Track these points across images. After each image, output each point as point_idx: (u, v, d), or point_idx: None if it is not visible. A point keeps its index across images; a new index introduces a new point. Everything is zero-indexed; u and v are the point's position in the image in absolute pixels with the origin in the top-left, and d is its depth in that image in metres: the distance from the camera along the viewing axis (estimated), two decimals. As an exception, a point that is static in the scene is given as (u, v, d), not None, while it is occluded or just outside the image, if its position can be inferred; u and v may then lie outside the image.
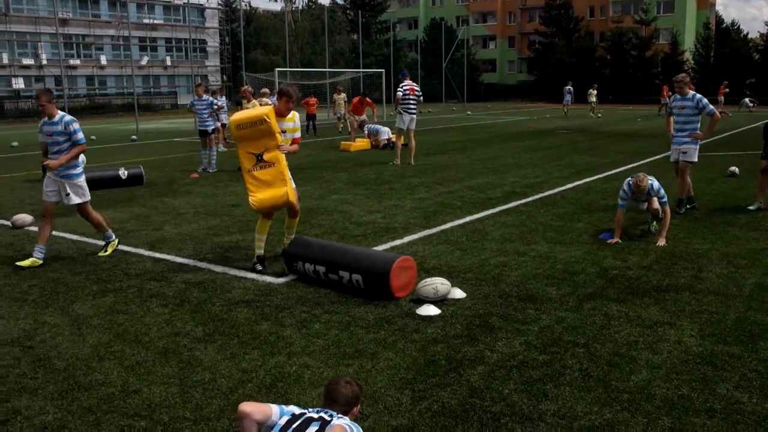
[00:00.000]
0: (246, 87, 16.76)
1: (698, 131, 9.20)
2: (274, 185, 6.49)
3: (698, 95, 9.17)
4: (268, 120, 6.35)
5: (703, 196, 10.66)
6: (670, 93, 40.64)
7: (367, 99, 22.74)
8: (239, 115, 6.50)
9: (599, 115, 37.83)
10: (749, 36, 65.45)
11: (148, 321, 5.34)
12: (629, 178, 7.71)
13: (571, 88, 39.20)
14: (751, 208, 9.51)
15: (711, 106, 9.16)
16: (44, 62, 53.51)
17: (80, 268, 7.00)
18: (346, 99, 26.76)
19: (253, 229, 8.66)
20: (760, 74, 58.90)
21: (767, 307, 5.46)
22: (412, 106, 15.46)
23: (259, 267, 6.72)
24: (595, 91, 38.30)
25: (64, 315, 5.52)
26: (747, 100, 44.18)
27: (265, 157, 6.44)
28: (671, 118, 9.59)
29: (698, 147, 9.31)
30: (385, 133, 20.34)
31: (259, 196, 6.46)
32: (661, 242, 7.51)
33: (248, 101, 15.95)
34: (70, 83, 54.56)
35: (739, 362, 4.39)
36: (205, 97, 15.35)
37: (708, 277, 6.32)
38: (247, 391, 4.06)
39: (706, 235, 8.04)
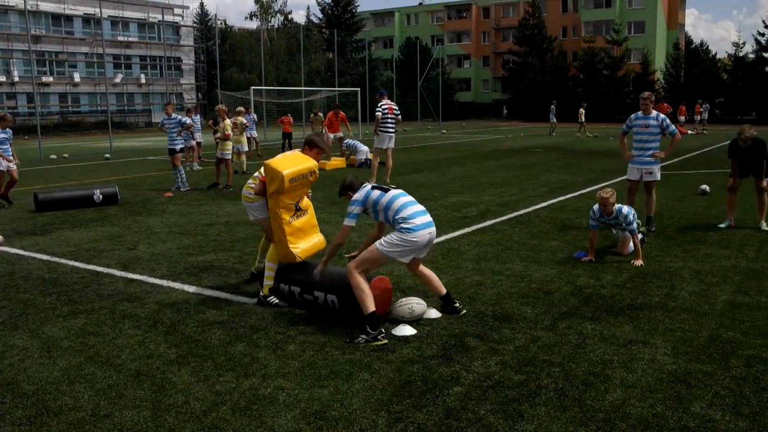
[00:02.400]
0: (221, 106, 16.70)
1: (659, 150, 9.31)
2: (310, 232, 6.37)
3: (662, 115, 9.32)
4: (317, 172, 6.23)
5: (674, 214, 10.81)
6: (701, 108, 40.89)
7: (341, 113, 22.77)
8: (293, 169, 5.97)
9: (596, 134, 36.42)
10: (717, 56, 66.73)
11: (120, 343, 5.26)
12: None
13: (554, 108, 39.23)
14: (721, 225, 9.65)
15: (673, 126, 9.33)
16: (16, 79, 52.97)
17: (51, 288, 6.89)
18: (323, 119, 26.78)
19: (228, 248, 8.63)
20: (729, 94, 60.09)
21: (738, 324, 5.53)
22: (390, 126, 15.48)
23: (274, 300, 6.26)
24: (583, 110, 37.28)
25: (34, 337, 5.42)
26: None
27: (301, 205, 6.27)
28: (624, 138, 9.71)
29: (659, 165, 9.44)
30: (363, 153, 20.36)
31: (302, 246, 6.20)
32: (639, 262, 7.57)
33: (222, 120, 15.90)
34: (43, 101, 54.07)
35: (712, 380, 4.43)
36: (174, 115, 15.29)
37: (680, 295, 6.39)
38: (221, 414, 4.00)
39: (679, 253, 8.14)
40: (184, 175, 15.07)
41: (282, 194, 5.98)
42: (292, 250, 6.09)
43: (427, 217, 5.64)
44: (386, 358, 4.87)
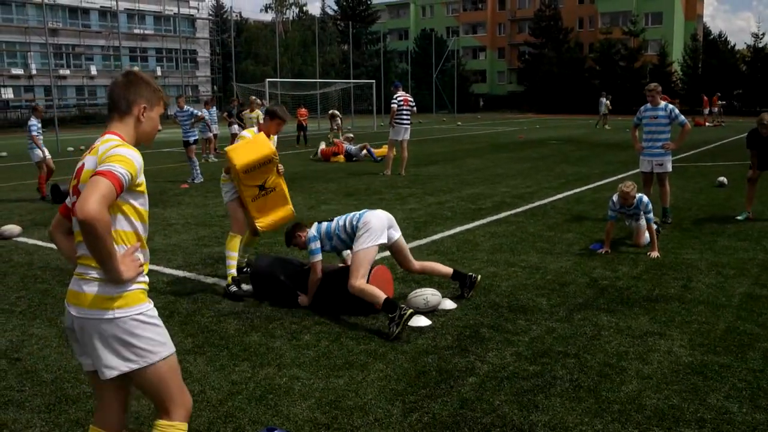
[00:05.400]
0: (253, 98, 16.75)
1: (669, 141, 9.24)
2: (277, 206, 6.52)
3: (670, 105, 9.24)
4: (275, 158, 6.34)
5: (692, 206, 10.73)
6: (720, 102, 40.14)
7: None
8: (248, 161, 6.16)
9: (607, 127, 35.53)
10: (736, 47, 65.99)
11: (137, 332, 5.30)
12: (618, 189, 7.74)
13: (603, 99, 36.54)
14: (739, 218, 9.56)
15: (683, 117, 9.23)
16: (34, 72, 53.40)
17: (69, 279, 6.91)
18: (340, 125, 26.75)
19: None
20: (748, 85, 59.41)
21: (756, 316, 5.48)
22: (406, 117, 15.46)
23: (234, 288, 6.26)
24: (608, 102, 35.95)
25: (52, 327, 5.48)
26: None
27: (267, 185, 6.39)
28: (636, 130, 9.63)
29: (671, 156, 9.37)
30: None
31: (265, 220, 6.45)
32: (654, 254, 7.52)
33: (251, 111, 15.98)
34: (60, 93, 54.46)
35: (729, 372, 4.40)
36: (186, 108, 15.39)
37: (697, 287, 6.35)
38: (236, 403, 4.03)
39: (695, 245, 8.08)
40: (198, 167, 15.14)
41: (242, 180, 6.25)
42: (254, 222, 6.46)
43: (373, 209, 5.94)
44: (401, 349, 4.88)
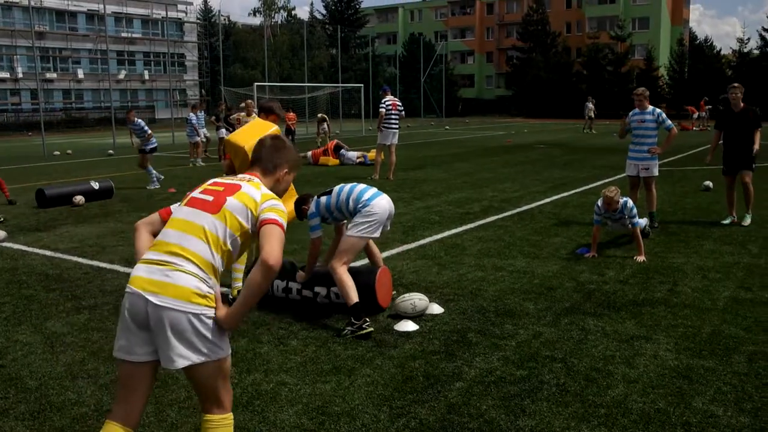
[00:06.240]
0: (250, 101, 16.68)
1: (656, 146, 9.32)
2: (285, 201, 6.36)
3: (657, 109, 9.31)
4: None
5: (677, 210, 10.79)
6: (707, 107, 40.21)
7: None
8: (251, 139, 5.71)
9: (593, 131, 35.69)
10: (722, 52, 66.50)
11: (123, 338, 5.26)
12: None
13: (588, 104, 36.71)
14: (724, 222, 9.63)
15: (669, 121, 9.31)
16: (20, 75, 53.09)
17: (54, 284, 6.90)
18: (327, 129, 26.65)
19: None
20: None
21: (741, 320, 5.52)
22: (394, 122, 15.48)
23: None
24: (593, 106, 36.22)
25: (37, 333, 5.44)
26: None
27: None
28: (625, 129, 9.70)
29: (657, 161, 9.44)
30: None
31: None
32: (641, 258, 7.56)
33: (248, 115, 15.94)
34: (47, 97, 54.16)
35: (714, 376, 4.42)
36: (137, 121, 15.35)
37: (683, 290, 6.38)
38: (223, 410, 4.01)
39: (681, 249, 8.13)
40: (154, 174, 14.94)
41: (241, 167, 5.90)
42: None
43: (379, 191, 5.86)
44: (388, 354, 4.88)
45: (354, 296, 5.36)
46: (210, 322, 2.72)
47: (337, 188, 5.85)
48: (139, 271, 2.75)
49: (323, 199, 5.82)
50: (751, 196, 9.56)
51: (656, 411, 3.94)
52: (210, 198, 2.89)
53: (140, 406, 2.84)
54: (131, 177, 16.97)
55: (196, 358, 2.70)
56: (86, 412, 4.00)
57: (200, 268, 2.73)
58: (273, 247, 2.71)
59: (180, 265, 2.72)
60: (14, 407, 4.10)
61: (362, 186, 5.84)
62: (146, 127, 15.37)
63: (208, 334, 2.71)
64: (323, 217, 5.80)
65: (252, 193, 2.90)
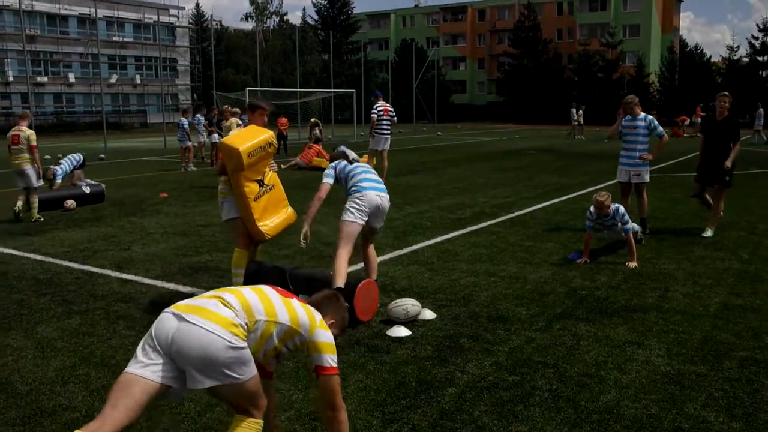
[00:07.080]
0: (227, 107, 16.65)
1: (647, 153, 9.33)
2: (279, 207, 6.30)
3: (649, 116, 9.34)
4: (274, 143, 6.18)
5: (668, 216, 10.84)
6: (702, 113, 40.32)
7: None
8: (250, 144, 5.83)
9: (582, 137, 35.93)
10: (712, 59, 66.93)
11: (115, 343, 5.25)
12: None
13: (573, 110, 37.10)
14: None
15: (661, 128, 9.34)
16: (11, 79, 52.76)
17: (45, 289, 6.87)
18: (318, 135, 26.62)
19: (223, 249, 8.59)
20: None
21: (732, 326, 5.55)
22: (386, 127, 15.49)
23: None
24: (581, 112, 36.46)
25: (28, 338, 5.41)
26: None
27: (266, 181, 6.14)
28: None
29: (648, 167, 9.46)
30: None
31: (270, 224, 6.16)
32: (633, 264, 7.58)
33: (226, 120, 15.87)
34: (38, 101, 53.91)
35: (706, 381, 4.44)
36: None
37: (674, 296, 6.41)
38: (215, 415, 4.00)
39: (673, 255, 8.16)
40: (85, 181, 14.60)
41: (243, 171, 5.87)
42: (260, 228, 6.08)
43: (378, 185, 6.17)
44: (381, 359, 4.88)
45: (338, 281, 5.61)
46: (237, 352, 2.90)
47: (355, 164, 6.30)
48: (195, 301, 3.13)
49: (343, 163, 6.31)
50: (718, 210, 9.39)
51: (648, 416, 3.95)
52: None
53: (123, 419, 2.76)
54: (124, 181, 16.90)
55: (216, 382, 2.88)
56: (77, 418, 3.98)
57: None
58: (338, 406, 3.25)
59: (229, 302, 3.06)
60: (5, 412, 4.07)
61: (368, 174, 6.16)
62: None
63: (232, 365, 2.90)
64: (337, 177, 6.22)
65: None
